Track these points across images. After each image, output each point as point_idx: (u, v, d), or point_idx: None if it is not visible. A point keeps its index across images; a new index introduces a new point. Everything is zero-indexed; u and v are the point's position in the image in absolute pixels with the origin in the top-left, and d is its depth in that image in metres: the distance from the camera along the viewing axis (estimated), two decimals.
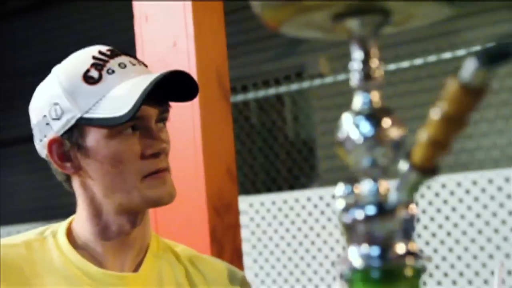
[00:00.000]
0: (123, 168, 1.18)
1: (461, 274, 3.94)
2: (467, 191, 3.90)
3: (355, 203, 0.55)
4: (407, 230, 0.54)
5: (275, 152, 5.81)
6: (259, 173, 5.93)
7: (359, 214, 0.54)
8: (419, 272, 0.54)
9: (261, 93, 5.16)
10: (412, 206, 0.54)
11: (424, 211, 4.01)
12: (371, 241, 0.54)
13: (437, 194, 3.98)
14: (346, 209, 0.55)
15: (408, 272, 0.54)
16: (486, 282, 3.83)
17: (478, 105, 0.47)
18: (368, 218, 0.54)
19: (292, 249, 4.50)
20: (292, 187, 5.50)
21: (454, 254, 3.95)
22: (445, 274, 3.97)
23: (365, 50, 0.55)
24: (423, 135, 0.50)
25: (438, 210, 3.98)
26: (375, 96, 0.55)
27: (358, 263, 0.54)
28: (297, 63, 5.91)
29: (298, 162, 5.67)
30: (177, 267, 1.31)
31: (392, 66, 4.47)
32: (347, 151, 0.55)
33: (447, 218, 3.96)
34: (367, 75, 0.55)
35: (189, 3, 1.92)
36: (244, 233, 4.67)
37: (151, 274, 1.27)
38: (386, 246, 0.54)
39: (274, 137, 5.87)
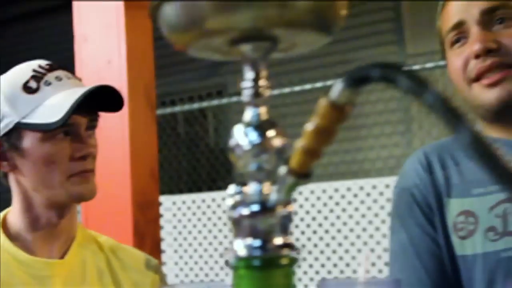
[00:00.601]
0: (53, 167, 1.17)
1: (335, 265, 4.03)
2: (343, 196, 3.99)
3: (242, 201, 0.55)
4: (284, 225, 0.54)
5: (197, 158, 5.79)
6: (182, 176, 5.89)
7: (244, 211, 0.54)
8: (293, 261, 0.54)
9: (186, 107, 5.14)
10: (290, 205, 0.54)
11: (307, 212, 4.08)
12: (254, 234, 0.54)
13: (318, 198, 4.07)
14: (234, 206, 0.55)
15: (284, 261, 0.54)
16: (354, 271, 3.94)
17: (344, 119, 0.47)
18: (252, 215, 0.54)
19: (208, 242, 4.49)
20: (210, 188, 5.49)
21: (330, 248, 4.04)
22: (322, 265, 4.03)
23: (256, 71, 0.55)
24: (299, 145, 0.50)
25: (319, 211, 4.06)
26: (263, 110, 0.55)
27: (242, 252, 0.54)
28: (218, 82, 5.91)
29: (216, 167, 5.67)
30: (99, 255, 1.29)
31: (286, 90, 4.50)
32: (237, 156, 0.55)
33: (325, 218, 4.04)
34: (256, 92, 0.55)
35: (123, 27, 1.90)
36: (167, 227, 4.63)
37: (75, 261, 1.25)
38: (266, 239, 0.53)
39: (196, 145, 5.85)
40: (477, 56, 1.09)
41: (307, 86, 4.41)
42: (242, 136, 0.54)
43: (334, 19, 0.53)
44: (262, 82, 0.55)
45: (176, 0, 0.51)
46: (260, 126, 0.54)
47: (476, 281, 1.10)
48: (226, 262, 0.55)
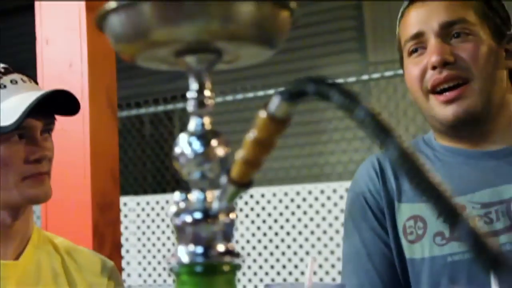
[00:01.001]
0: (8, 170, 1.16)
1: (284, 266, 4.05)
2: (304, 199, 4.01)
3: (185, 208, 0.55)
4: (227, 233, 0.54)
5: (161, 160, 5.76)
6: (147, 177, 5.85)
7: (188, 218, 0.54)
8: (235, 268, 0.54)
9: (152, 109, 5.11)
10: (232, 213, 0.55)
11: (258, 215, 4.09)
12: (196, 241, 0.53)
13: (280, 201, 4.08)
14: (178, 213, 0.55)
15: (226, 268, 0.54)
16: (302, 273, 3.97)
17: (282, 131, 0.48)
18: (194, 222, 0.54)
19: (171, 242, 4.47)
20: (174, 189, 5.46)
21: (279, 250, 4.06)
22: (271, 267, 4.05)
23: (200, 82, 0.55)
24: (239, 155, 0.50)
25: (280, 214, 4.08)
26: (207, 120, 0.55)
27: (185, 259, 0.53)
28: (183, 86, 5.86)
29: None
30: (55, 257, 1.28)
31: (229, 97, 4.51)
32: (181, 165, 0.55)
33: (287, 220, 4.06)
34: (201, 102, 0.55)
35: (85, 30, 1.88)
36: (131, 227, 4.59)
37: (30, 262, 1.23)
38: (208, 246, 0.53)
39: (161, 147, 5.81)
40: (433, 68, 1.11)
41: (260, 93, 4.42)
42: (186, 145, 0.54)
43: (277, 33, 0.53)
44: (206, 93, 0.55)
45: (121, 11, 0.50)
46: (204, 136, 0.54)
47: (423, 284, 1.12)
48: (170, 269, 0.55)
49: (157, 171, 5.76)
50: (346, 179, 4.77)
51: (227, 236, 0.54)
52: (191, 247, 0.54)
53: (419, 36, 1.14)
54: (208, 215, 0.54)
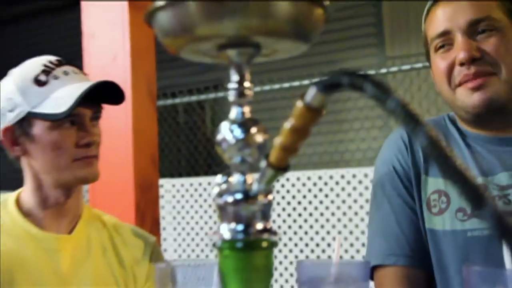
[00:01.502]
0: (60, 153, 1.18)
1: (317, 245, 4.04)
2: (326, 183, 3.99)
3: (227, 190, 0.55)
4: (265, 212, 0.55)
5: (195, 145, 5.78)
6: (181, 161, 5.88)
7: (229, 199, 0.54)
8: (272, 244, 0.55)
9: (186, 99, 5.11)
10: (270, 195, 0.55)
11: (293, 197, 4.08)
12: (237, 220, 0.54)
13: (304, 184, 4.06)
14: (220, 194, 0.55)
15: (264, 244, 0.54)
16: (323, 251, 3.96)
17: (317, 120, 0.48)
18: (235, 202, 0.54)
19: (203, 221, 4.49)
20: (206, 173, 5.49)
21: (313, 230, 4.05)
22: (295, 245, 4.05)
23: (241, 74, 0.55)
24: (277, 142, 0.51)
25: (304, 197, 4.07)
26: (246, 109, 0.55)
27: (227, 235, 0.54)
28: (215, 77, 5.89)
29: (212, 154, 5.66)
30: (103, 232, 1.29)
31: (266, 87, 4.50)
32: (223, 150, 0.55)
33: (310, 202, 4.05)
34: (241, 93, 0.55)
35: (127, 25, 1.89)
36: (167, 207, 4.63)
37: (81, 236, 1.25)
38: (248, 224, 0.54)
39: (194, 134, 5.83)
40: (461, 64, 1.09)
41: (295, 83, 4.40)
42: (227, 132, 0.55)
43: (311, 29, 0.53)
44: (246, 84, 0.55)
45: (169, 8, 0.51)
46: (244, 124, 0.54)
47: (447, 255, 1.10)
48: (213, 244, 0.55)
49: (191, 155, 5.78)
50: (365, 165, 4.75)
51: (265, 215, 0.55)
52: (233, 225, 0.54)
53: (446, 34, 1.12)
54: (248, 196, 0.54)
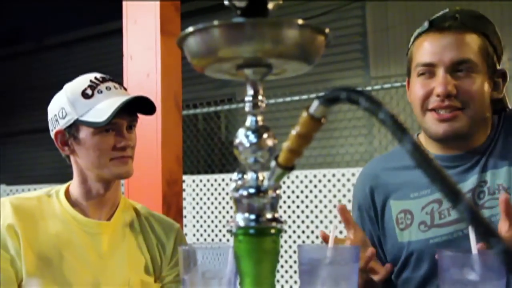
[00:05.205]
0: (100, 153, 1.18)
1: (312, 232, 4.02)
2: (319, 181, 3.98)
3: (242, 185, 0.54)
4: (273, 204, 0.54)
5: (212, 148, 5.78)
6: (200, 161, 5.88)
7: (244, 192, 0.54)
8: (279, 231, 0.54)
9: (205, 110, 5.12)
10: (278, 189, 0.54)
11: (292, 192, 4.07)
12: (250, 210, 0.54)
13: (301, 182, 4.05)
14: (236, 189, 0.55)
15: (272, 231, 0.54)
16: (317, 237, 3.92)
17: (319, 128, 0.47)
18: (249, 195, 0.54)
19: (218, 211, 4.49)
20: (221, 171, 5.48)
21: (309, 219, 4.03)
22: (302, 232, 4.03)
23: (255, 89, 0.55)
24: (285, 145, 0.50)
25: (301, 192, 4.05)
26: (259, 118, 0.55)
27: (241, 223, 0.54)
28: (229, 92, 5.90)
29: (226, 156, 5.66)
30: (136, 219, 1.29)
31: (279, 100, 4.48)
32: (239, 152, 0.55)
33: (306, 196, 4.03)
34: (255, 104, 0.55)
35: (159, 49, 1.89)
36: (188, 198, 4.63)
37: (118, 223, 1.25)
38: (259, 214, 0.53)
39: (212, 138, 5.83)
40: (438, 95, 1.06)
41: (295, 98, 4.40)
42: (243, 137, 0.54)
43: (314, 52, 0.52)
44: (259, 97, 0.55)
45: (197, 34, 0.50)
46: (257, 130, 0.54)
47: (411, 260, 1.11)
48: (229, 230, 0.55)
49: (208, 156, 5.78)
50: (352, 166, 4.74)
51: (274, 207, 0.54)
52: (246, 214, 0.54)
53: (430, 65, 1.08)
54: (260, 190, 0.54)
